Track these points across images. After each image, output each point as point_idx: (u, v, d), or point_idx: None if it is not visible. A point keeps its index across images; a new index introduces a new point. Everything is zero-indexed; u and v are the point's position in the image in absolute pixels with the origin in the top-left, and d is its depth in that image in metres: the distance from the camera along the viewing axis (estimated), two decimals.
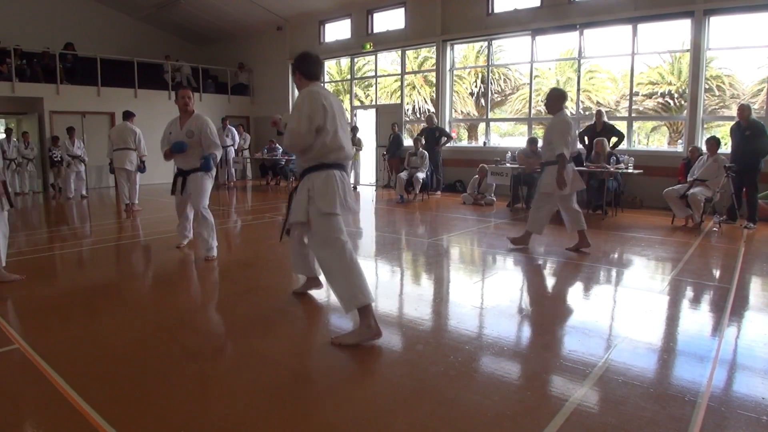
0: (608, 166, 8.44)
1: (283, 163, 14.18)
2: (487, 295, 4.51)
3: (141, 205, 9.74)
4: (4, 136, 12.88)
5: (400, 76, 14.51)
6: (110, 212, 10.18)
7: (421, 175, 10.78)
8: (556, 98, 5.86)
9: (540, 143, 7.50)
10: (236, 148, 14.77)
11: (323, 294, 4.59)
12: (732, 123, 8.31)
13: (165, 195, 9.98)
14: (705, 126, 9.82)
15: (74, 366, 2.99)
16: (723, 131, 10.40)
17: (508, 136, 17.23)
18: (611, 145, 9.17)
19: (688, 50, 9.71)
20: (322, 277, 4.17)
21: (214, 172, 5.91)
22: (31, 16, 14.66)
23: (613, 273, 5.32)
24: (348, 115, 15.88)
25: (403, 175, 10.89)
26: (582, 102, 12.58)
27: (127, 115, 9.74)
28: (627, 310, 4.14)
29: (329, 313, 4.08)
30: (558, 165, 5.66)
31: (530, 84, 12.32)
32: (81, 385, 2.73)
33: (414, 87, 19.47)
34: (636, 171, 8.68)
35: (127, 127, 9.54)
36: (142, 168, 9.70)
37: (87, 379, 2.82)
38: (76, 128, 12.41)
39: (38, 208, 10.69)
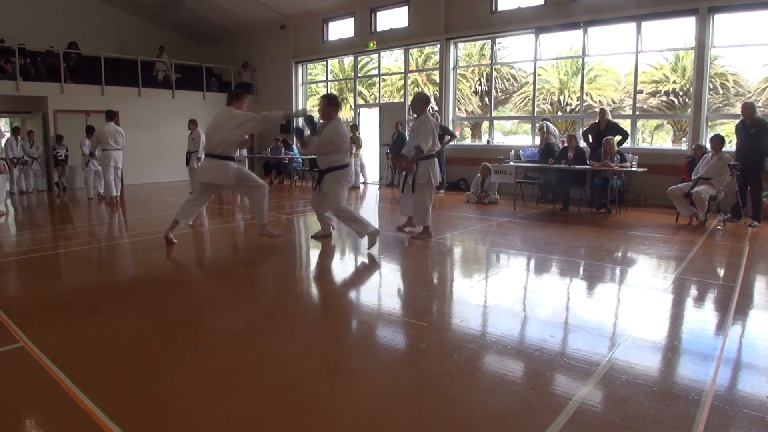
0: (612, 165, 8.41)
1: (287, 162, 14.19)
2: (491, 294, 4.51)
3: (143, 204, 9.77)
4: (10, 134, 12.90)
5: (403, 75, 14.50)
6: (114, 211, 10.21)
7: None
8: (422, 101, 6.62)
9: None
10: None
11: (325, 294, 4.60)
12: (736, 121, 8.28)
13: (165, 193, 9.95)
14: (709, 124, 9.78)
15: (78, 364, 3.01)
16: (727, 129, 10.37)
17: (511, 135, 17.20)
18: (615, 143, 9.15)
19: (692, 48, 9.68)
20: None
21: (347, 174, 6.15)
22: (35, 15, 14.69)
23: (617, 271, 5.31)
24: (351, 113, 15.89)
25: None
26: (585, 100, 12.54)
27: (113, 116, 10.30)
28: (631, 308, 4.14)
29: (332, 311, 4.09)
30: (414, 155, 6.34)
31: (534, 82, 12.30)
32: (85, 383, 2.74)
33: (417, 85, 19.45)
34: (640, 169, 8.65)
35: (118, 129, 10.24)
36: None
37: (91, 377, 2.83)
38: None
39: (43, 207, 10.73)
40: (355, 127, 13.77)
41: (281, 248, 6.41)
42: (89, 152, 11.52)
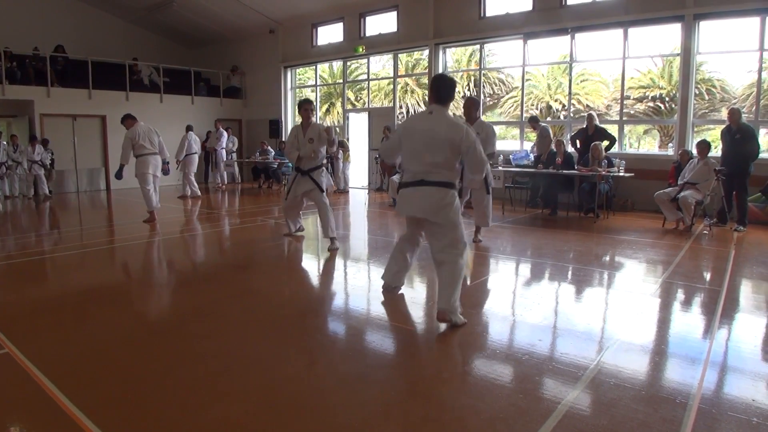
0: (600, 169, 8.48)
1: (276, 166, 14.14)
2: (479, 298, 4.52)
3: (130, 209, 9.67)
4: None
5: (392, 79, 14.53)
6: (102, 215, 10.12)
7: None
8: (475, 107, 6.51)
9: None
10: (227, 150, 14.79)
11: (314, 298, 4.58)
12: (722, 126, 8.38)
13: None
14: (695, 129, 9.89)
15: (64, 369, 2.97)
16: (713, 134, 10.51)
17: (500, 140, 17.28)
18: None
19: (678, 54, 9.79)
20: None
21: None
22: (22, 18, 14.55)
23: (605, 276, 5.34)
24: (340, 118, 15.89)
25: (396, 178, 10.87)
26: (573, 105, 12.64)
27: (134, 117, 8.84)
28: (619, 312, 4.16)
29: (321, 316, 4.07)
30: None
31: (522, 87, 12.38)
32: (71, 389, 2.70)
33: (407, 90, 19.51)
34: (627, 174, 8.73)
35: (151, 128, 8.63)
36: (167, 171, 8.86)
37: (77, 383, 2.80)
38: (39, 136, 12.59)
39: (28, 212, 10.60)
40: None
41: (270, 253, 6.38)
42: (40, 159, 12.09)
